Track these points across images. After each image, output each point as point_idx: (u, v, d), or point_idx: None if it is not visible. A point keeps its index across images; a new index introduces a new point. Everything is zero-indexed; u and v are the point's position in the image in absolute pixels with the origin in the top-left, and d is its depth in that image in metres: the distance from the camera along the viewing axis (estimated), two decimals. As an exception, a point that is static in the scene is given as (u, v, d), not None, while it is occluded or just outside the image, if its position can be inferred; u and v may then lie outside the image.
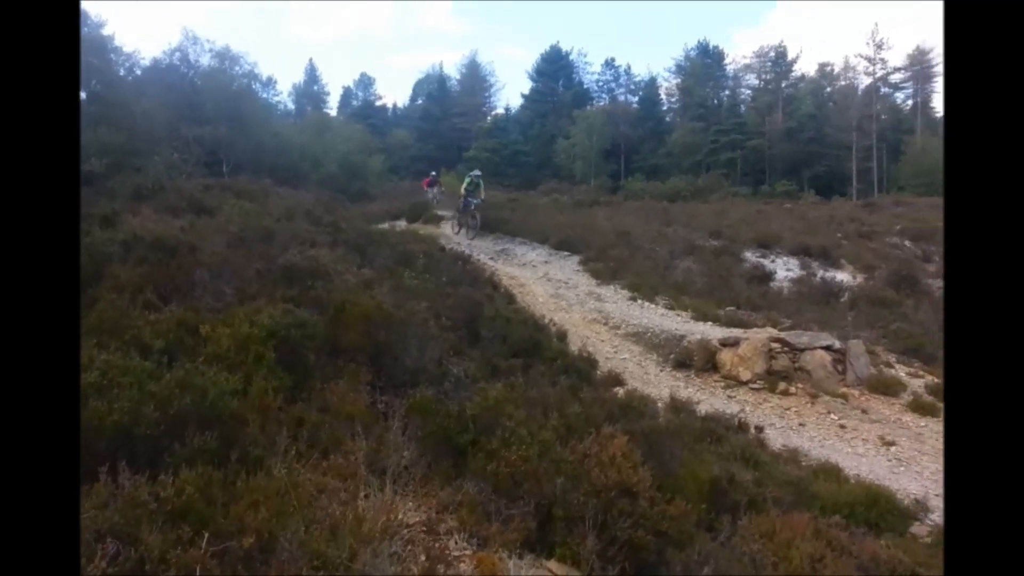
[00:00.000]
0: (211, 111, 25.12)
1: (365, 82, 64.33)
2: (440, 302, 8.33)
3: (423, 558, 2.74)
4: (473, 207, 17.13)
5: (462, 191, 17.53)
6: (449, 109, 55.57)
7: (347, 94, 63.92)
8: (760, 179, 44.06)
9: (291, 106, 56.73)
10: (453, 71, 61.35)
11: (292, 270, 6.33)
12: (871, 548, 4.41)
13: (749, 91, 53.01)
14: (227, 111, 25.50)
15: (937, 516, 5.69)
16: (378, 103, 62.76)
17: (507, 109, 57.65)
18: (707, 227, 20.14)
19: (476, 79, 58.92)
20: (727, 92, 52.85)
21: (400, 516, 3.08)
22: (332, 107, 60.86)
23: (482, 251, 15.92)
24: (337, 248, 9.37)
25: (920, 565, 4.33)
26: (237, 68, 30.10)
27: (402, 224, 18.87)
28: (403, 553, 2.81)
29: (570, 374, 8.10)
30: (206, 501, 2.67)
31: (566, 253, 16.12)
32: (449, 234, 17.87)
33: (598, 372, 8.89)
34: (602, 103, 53.67)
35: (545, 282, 13.98)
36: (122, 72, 23.22)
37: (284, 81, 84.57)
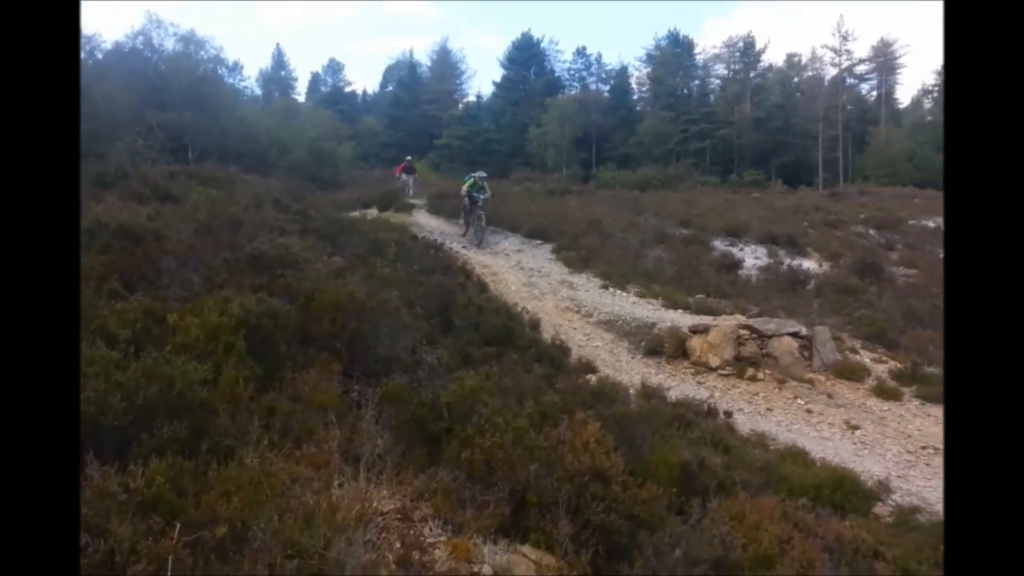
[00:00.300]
0: (176, 97, 24.49)
1: (334, 68, 63.48)
2: (412, 291, 8.30)
3: (398, 545, 2.75)
4: (481, 202, 15.83)
5: (464, 191, 16.11)
6: (420, 96, 55.08)
7: (315, 80, 63.02)
8: (729, 168, 44.58)
9: (258, 92, 55.76)
10: (424, 58, 60.88)
11: (261, 259, 6.24)
12: (836, 529, 4.53)
13: (718, 81, 53.47)
14: (192, 97, 24.88)
15: (898, 496, 5.87)
16: (347, 89, 62.02)
17: (479, 97, 57.42)
18: (677, 216, 20.35)
19: (447, 66, 58.46)
20: (697, 82, 53.22)
21: (374, 504, 3.07)
22: (300, 93, 60.10)
23: (454, 239, 15.87)
24: (307, 236, 9.25)
25: (882, 544, 4.46)
26: (202, 53, 29.41)
27: (373, 212, 18.71)
28: (377, 540, 2.82)
29: (543, 362, 8.15)
30: (177, 491, 2.64)
31: (539, 241, 16.17)
32: (422, 222, 17.76)
33: (571, 359, 8.95)
34: (574, 92, 53.71)
35: (518, 270, 14.00)
36: (82, 56, 22.52)
37: (251, 66, 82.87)
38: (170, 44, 28.46)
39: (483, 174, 16.70)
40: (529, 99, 51.56)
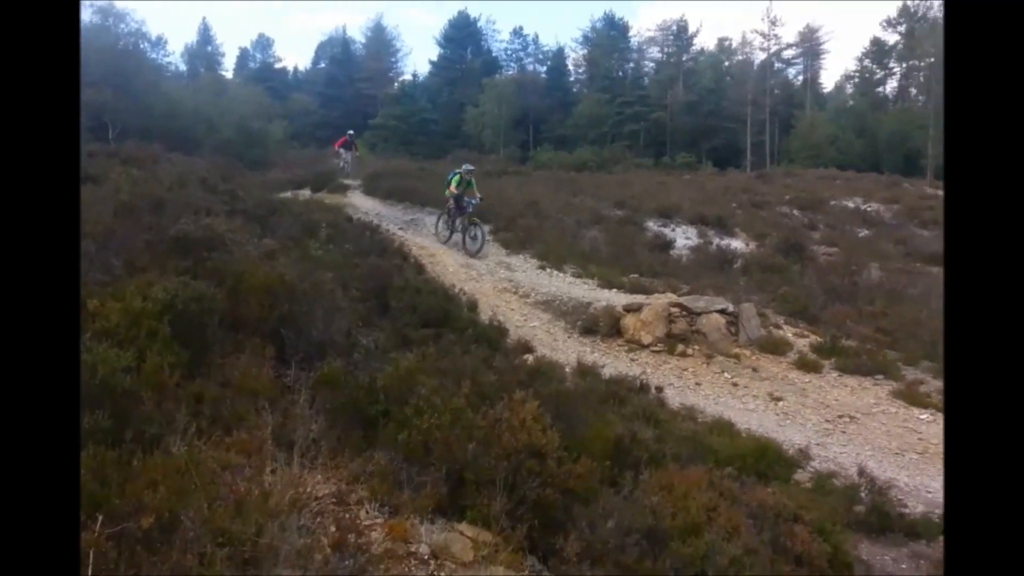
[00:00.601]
0: (94, 72, 23.06)
1: (263, 43, 61.13)
2: (348, 273, 8.18)
3: (333, 529, 2.74)
4: (471, 209, 13.53)
5: (450, 190, 13.64)
6: (354, 74, 53.74)
7: (244, 56, 60.57)
8: (662, 151, 45.44)
9: (183, 68, 53.17)
10: (358, 34, 59.39)
11: (185, 240, 6.00)
12: (760, 496, 4.76)
13: (652, 64, 54.23)
14: (112, 72, 23.56)
15: (817, 463, 6.20)
16: (278, 66, 59.84)
17: (415, 75, 56.40)
18: (612, 197, 20.66)
19: (382, 43, 57.18)
20: (631, 64, 53.85)
21: (309, 489, 3.04)
22: (228, 69, 57.57)
23: (391, 221, 15.68)
24: (235, 218, 8.94)
25: (801, 508, 4.71)
26: (123, 26, 27.95)
27: (306, 193, 18.22)
28: (312, 525, 2.79)
29: (481, 343, 8.18)
30: (100, 482, 2.55)
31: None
32: (357, 203, 17.42)
33: (508, 340, 9.02)
34: (511, 72, 53.49)
35: (455, 252, 13.97)
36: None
37: (175, 41, 78.95)
38: (87, 16, 26.87)
39: (470, 167, 14.31)
40: (466, 79, 51.05)
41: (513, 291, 11.65)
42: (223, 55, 59.14)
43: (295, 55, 78.64)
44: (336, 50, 57.37)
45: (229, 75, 54.14)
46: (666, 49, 52.98)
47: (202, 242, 5.90)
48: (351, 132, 23.67)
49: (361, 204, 17.39)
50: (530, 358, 8.32)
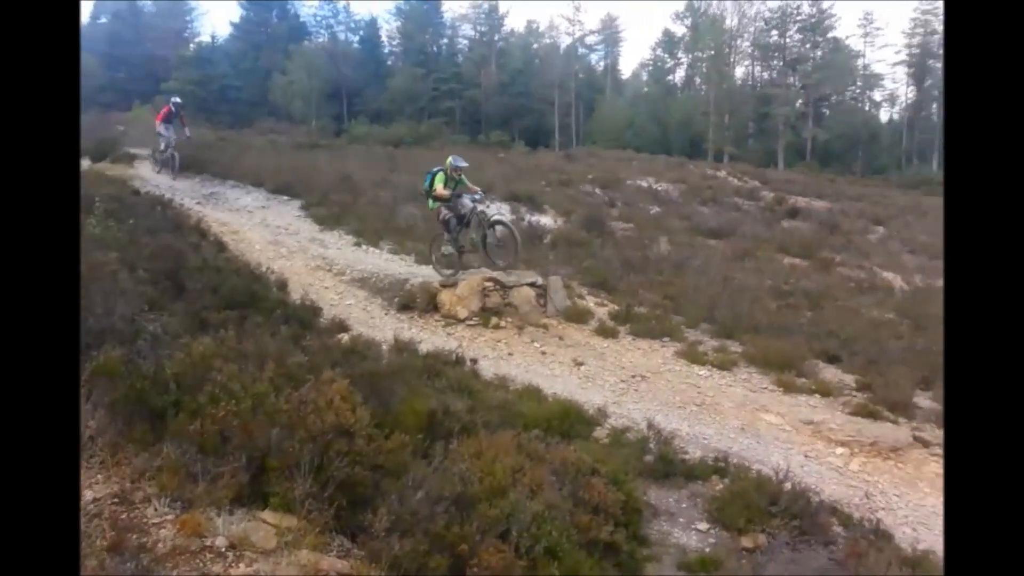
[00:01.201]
0: None
1: (23, -11, 52.38)
2: (134, 252, 7.41)
3: (111, 532, 2.52)
4: (478, 206, 10.12)
5: (438, 193, 9.99)
6: (142, 33, 48.07)
7: None
8: (477, 129, 46.14)
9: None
10: (143, -13, 52.97)
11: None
12: (563, 454, 5.12)
13: (466, 42, 54.65)
14: None
15: (613, 419, 6.78)
16: (44, 17, 51.68)
17: (213, 37, 51.78)
18: (429, 173, 20.62)
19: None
20: (446, 41, 53.80)
21: (85, 491, 2.77)
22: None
23: (187, 195, 14.41)
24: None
25: (598, 462, 5.15)
26: None
27: (85, 164, 16.10)
28: (87, 530, 2.55)
29: (291, 323, 7.85)
30: None
31: (286, 198, 15.40)
32: (145, 175, 15.70)
33: (322, 319, 8.75)
34: (321, 40, 51.03)
35: (262, 228, 13.22)
36: None
37: None
38: None
39: (460, 162, 10.25)
40: (272, 44, 47.78)
41: (327, 269, 11.29)
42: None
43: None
44: (120, 5, 50.82)
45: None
46: (479, 27, 53.60)
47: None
48: (177, 100, 16.71)
49: (151, 176, 15.76)
50: (345, 337, 8.14)
